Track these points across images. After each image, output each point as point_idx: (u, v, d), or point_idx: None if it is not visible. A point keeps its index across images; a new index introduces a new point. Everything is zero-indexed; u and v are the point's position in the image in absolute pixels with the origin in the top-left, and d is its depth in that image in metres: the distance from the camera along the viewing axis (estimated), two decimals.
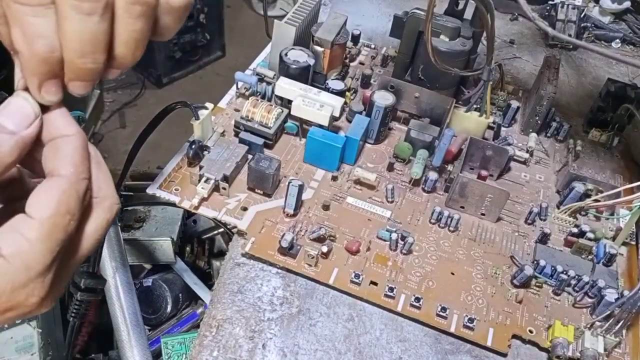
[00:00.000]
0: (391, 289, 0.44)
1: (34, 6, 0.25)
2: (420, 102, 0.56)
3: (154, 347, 0.56)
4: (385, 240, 0.48)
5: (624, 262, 0.51)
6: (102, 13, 0.25)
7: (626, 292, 0.44)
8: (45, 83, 0.27)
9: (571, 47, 0.78)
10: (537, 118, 0.60)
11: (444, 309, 0.44)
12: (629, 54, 0.79)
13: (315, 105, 0.51)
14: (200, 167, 0.47)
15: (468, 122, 0.56)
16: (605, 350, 0.43)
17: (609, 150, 0.60)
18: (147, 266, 0.62)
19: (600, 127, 0.62)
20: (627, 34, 0.81)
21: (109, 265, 0.49)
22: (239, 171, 0.49)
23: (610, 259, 0.49)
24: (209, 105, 0.49)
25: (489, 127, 0.57)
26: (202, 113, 0.48)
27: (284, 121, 0.53)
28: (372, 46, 0.70)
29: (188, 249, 0.65)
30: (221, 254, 0.64)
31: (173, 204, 0.46)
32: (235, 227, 0.46)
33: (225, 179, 0.47)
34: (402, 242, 0.47)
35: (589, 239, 0.50)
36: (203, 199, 0.47)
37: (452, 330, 0.43)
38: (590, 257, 0.50)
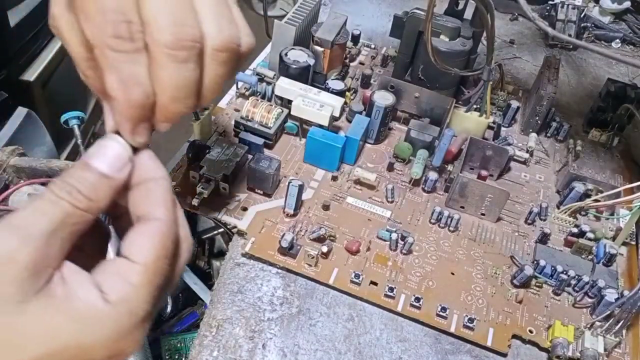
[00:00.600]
0: (391, 289, 0.44)
1: (130, 53, 0.25)
2: (420, 102, 0.56)
3: (153, 347, 0.56)
4: (385, 240, 0.48)
5: (624, 262, 0.51)
6: (196, 60, 0.26)
7: (626, 292, 0.44)
8: (138, 126, 0.27)
9: (571, 47, 0.78)
10: (537, 118, 0.60)
11: (444, 309, 0.44)
12: (629, 54, 0.79)
13: (315, 105, 0.51)
14: (200, 167, 0.47)
15: (468, 122, 0.56)
16: (605, 350, 0.43)
17: (609, 150, 0.60)
18: None
19: (600, 127, 0.62)
20: (627, 34, 0.81)
21: None
22: (240, 171, 0.49)
23: (610, 259, 0.49)
24: (209, 106, 0.49)
25: (489, 127, 0.57)
26: (202, 113, 0.48)
27: (284, 121, 0.53)
28: (372, 46, 0.70)
29: None
30: (221, 254, 0.64)
31: None
32: (235, 227, 0.46)
33: (226, 179, 0.47)
34: (402, 242, 0.47)
35: (589, 239, 0.50)
36: (203, 199, 0.47)
37: (452, 330, 0.43)
38: (590, 257, 0.50)
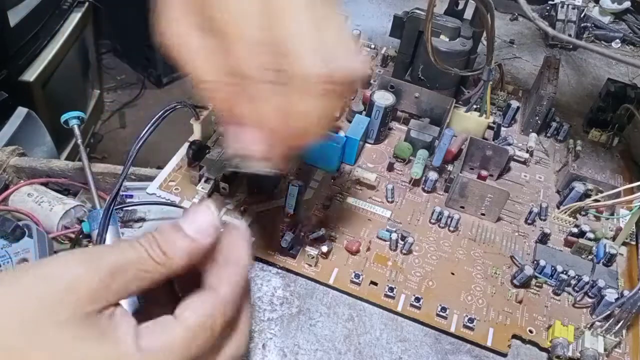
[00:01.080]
0: (391, 289, 0.44)
1: (278, 85, 0.27)
2: (420, 102, 0.56)
3: None
4: (385, 240, 0.48)
5: (624, 262, 0.51)
6: (336, 91, 0.28)
7: (626, 292, 0.44)
8: (283, 153, 0.29)
9: (571, 47, 0.78)
10: (537, 118, 0.60)
11: (444, 309, 0.44)
12: (629, 53, 0.79)
13: None
14: (200, 167, 0.47)
15: (468, 122, 0.57)
16: (605, 350, 0.43)
17: (609, 150, 0.60)
18: None
19: (600, 127, 0.62)
20: (627, 34, 0.81)
21: None
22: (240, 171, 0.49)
23: (610, 259, 0.49)
24: (210, 105, 0.49)
25: (489, 127, 0.57)
26: (203, 113, 0.48)
27: None
28: (372, 46, 0.70)
29: None
30: None
31: (173, 204, 0.46)
32: None
33: (225, 179, 0.47)
34: (402, 242, 0.47)
35: (589, 239, 0.50)
36: (203, 199, 0.47)
37: (452, 330, 0.43)
38: (590, 257, 0.50)
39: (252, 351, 0.40)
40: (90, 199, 0.49)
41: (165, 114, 0.42)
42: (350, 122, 0.55)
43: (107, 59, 1.91)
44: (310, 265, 0.45)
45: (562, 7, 0.76)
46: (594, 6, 0.83)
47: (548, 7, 0.79)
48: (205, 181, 0.47)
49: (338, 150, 0.50)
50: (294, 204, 0.47)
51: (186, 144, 0.49)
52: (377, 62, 0.67)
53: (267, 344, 0.41)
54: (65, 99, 1.32)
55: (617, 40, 0.80)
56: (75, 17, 1.31)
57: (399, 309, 0.44)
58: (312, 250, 0.44)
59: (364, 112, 0.55)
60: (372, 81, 0.63)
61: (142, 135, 0.41)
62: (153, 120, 0.41)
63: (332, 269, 0.45)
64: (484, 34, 0.50)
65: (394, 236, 0.46)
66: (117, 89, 1.89)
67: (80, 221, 0.47)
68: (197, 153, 0.48)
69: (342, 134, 0.53)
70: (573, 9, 0.77)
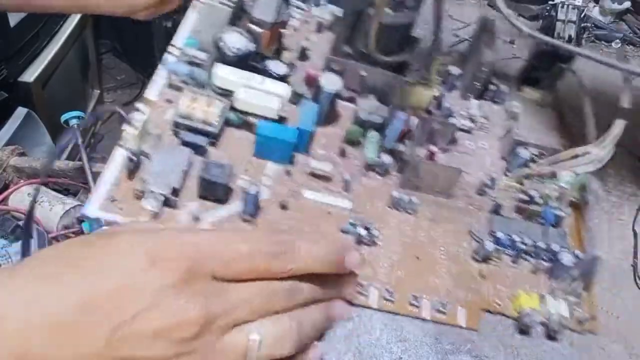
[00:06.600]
0: (361, 286, 0.43)
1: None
2: (365, 80, 0.54)
3: None
4: (349, 234, 0.46)
5: (571, 223, 0.53)
6: None
7: (579, 254, 0.47)
8: None
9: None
10: (476, 84, 0.60)
11: (416, 297, 0.44)
12: (629, 53, 0.80)
13: (260, 97, 0.47)
14: (143, 181, 0.42)
15: (413, 96, 0.55)
16: (569, 313, 0.45)
17: (544, 110, 0.62)
18: None
19: (533, 86, 0.63)
20: (627, 34, 0.81)
21: None
22: (186, 178, 0.45)
23: (558, 221, 0.51)
24: (145, 110, 0.44)
25: (434, 99, 0.56)
26: (138, 119, 0.43)
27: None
28: (304, 8, 0.65)
29: None
30: None
31: None
32: None
33: (175, 192, 0.43)
34: (368, 235, 0.46)
35: (538, 204, 0.52)
36: (155, 216, 0.42)
37: (426, 316, 0.44)
38: (540, 221, 0.52)
39: None
40: None
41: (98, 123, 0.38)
42: (294, 104, 0.52)
43: (107, 59, 1.92)
44: None
45: (562, 7, 0.74)
46: (594, 6, 0.82)
47: (548, 7, 0.77)
48: (152, 197, 0.42)
49: (291, 146, 0.47)
50: (252, 209, 0.44)
51: (119, 152, 0.43)
52: (312, 28, 0.63)
53: None
54: (65, 99, 1.35)
55: (617, 40, 0.80)
56: (75, 17, 1.34)
57: (374, 305, 0.43)
58: None
59: (308, 94, 0.52)
60: (309, 52, 0.59)
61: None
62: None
63: None
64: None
65: (362, 231, 0.45)
66: (117, 89, 1.89)
67: (80, 221, 0.47)
68: (138, 164, 0.43)
69: (291, 125, 0.50)
70: (573, 9, 0.75)
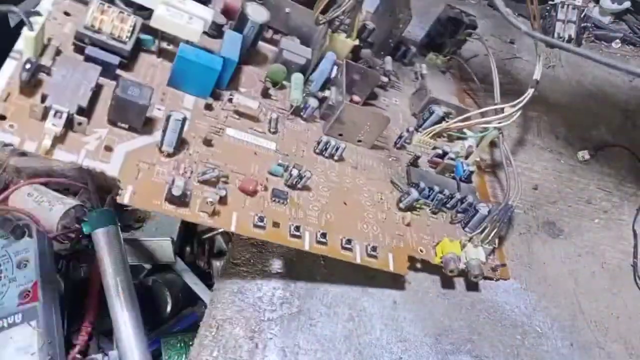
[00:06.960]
0: (297, 228, 0.40)
1: None
2: (289, 18, 0.50)
3: (153, 347, 0.52)
4: (277, 176, 0.43)
5: (476, 178, 0.55)
6: None
7: (491, 205, 0.49)
8: None
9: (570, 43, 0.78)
10: (390, 41, 0.59)
11: (348, 241, 0.42)
12: (629, 53, 0.82)
13: (182, 17, 0.41)
14: (44, 97, 0.34)
15: (334, 43, 0.53)
16: (484, 258, 0.47)
17: (449, 72, 0.64)
18: (147, 266, 0.58)
19: (436, 51, 0.65)
20: (627, 34, 0.82)
21: (109, 266, 0.43)
22: (95, 100, 0.38)
23: (468, 177, 0.53)
24: (43, 11, 0.36)
25: (354, 49, 0.55)
26: (37, 22, 0.35)
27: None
28: None
29: (188, 249, 0.60)
30: (221, 254, 0.60)
31: (9, 146, 0.34)
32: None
33: (82, 111, 0.35)
34: (298, 177, 0.43)
35: (451, 159, 0.53)
36: (55, 138, 0.35)
37: (358, 261, 0.42)
38: (452, 175, 0.53)
39: (252, 351, 0.38)
40: (90, 199, 0.50)
41: None
42: (210, 36, 0.47)
43: None
44: (207, 213, 0.38)
45: (562, 7, 0.74)
46: (594, 6, 0.83)
47: (548, 7, 0.76)
48: (55, 115, 0.34)
49: (215, 74, 0.42)
50: (174, 140, 0.38)
51: (12, 62, 0.35)
52: None
53: (268, 344, 0.39)
54: None
55: (617, 40, 0.82)
56: None
57: (306, 247, 0.41)
58: (209, 195, 0.37)
59: (228, 25, 0.47)
60: None
61: None
62: None
63: (230, 214, 0.39)
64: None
65: (294, 172, 0.42)
66: None
67: (80, 221, 0.47)
68: (35, 75, 0.35)
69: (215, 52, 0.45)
70: (573, 9, 0.74)
